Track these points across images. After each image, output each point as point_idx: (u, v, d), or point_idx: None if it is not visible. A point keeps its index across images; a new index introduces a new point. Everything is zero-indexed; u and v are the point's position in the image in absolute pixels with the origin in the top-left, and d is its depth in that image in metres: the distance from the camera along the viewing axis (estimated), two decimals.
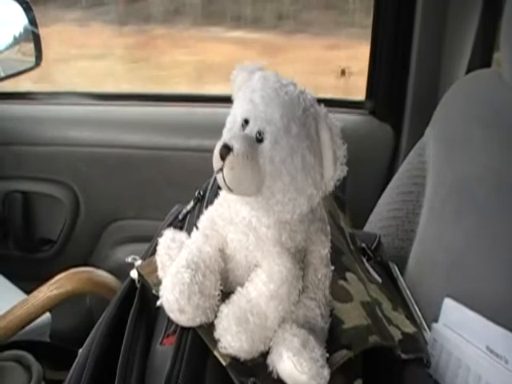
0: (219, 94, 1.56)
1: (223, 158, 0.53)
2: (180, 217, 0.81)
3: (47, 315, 1.10)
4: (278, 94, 0.55)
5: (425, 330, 0.77)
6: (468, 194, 0.84)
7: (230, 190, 0.54)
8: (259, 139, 0.54)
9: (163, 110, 1.58)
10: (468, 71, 1.28)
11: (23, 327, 0.94)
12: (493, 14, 1.24)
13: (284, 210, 0.55)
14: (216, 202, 0.62)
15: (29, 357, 0.86)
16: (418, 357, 0.67)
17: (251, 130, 0.54)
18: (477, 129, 0.90)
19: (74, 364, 0.60)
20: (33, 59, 1.53)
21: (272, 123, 0.53)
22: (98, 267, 1.03)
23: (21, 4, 1.48)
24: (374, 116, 1.53)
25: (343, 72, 1.80)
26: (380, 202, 1.08)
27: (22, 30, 1.54)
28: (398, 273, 0.88)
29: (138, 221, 1.57)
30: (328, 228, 0.63)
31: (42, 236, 1.61)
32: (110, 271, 1.01)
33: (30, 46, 1.52)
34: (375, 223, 1.05)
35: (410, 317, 0.77)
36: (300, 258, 0.59)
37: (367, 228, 1.06)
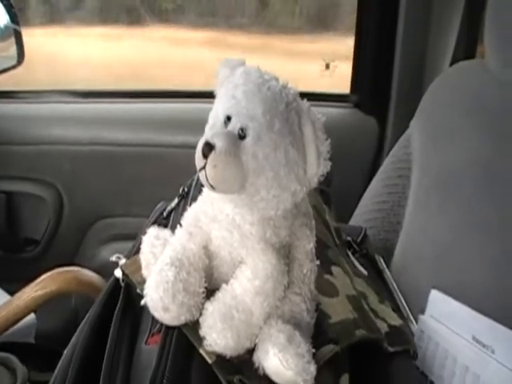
0: (204, 90, 1.55)
1: (205, 155, 0.52)
2: (164, 214, 0.81)
3: (32, 316, 1.09)
4: (261, 89, 0.54)
5: (411, 321, 0.78)
6: (453, 185, 0.85)
7: (212, 188, 0.54)
8: (242, 136, 0.53)
9: (148, 106, 1.57)
10: (452, 63, 1.29)
11: (7, 329, 0.93)
12: (477, 5, 1.25)
13: (268, 207, 0.55)
14: (199, 198, 0.62)
15: (13, 359, 0.85)
16: (404, 349, 0.67)
17: (234, 126, 0.54)
18: (462, 120, 0.90)
19: (59, 365, 0.60)
20: (15, 57, 1.51)
21: (254, 119, 0.53)
22: (83, 266, 1.02)
23: (1, 1, 1.46)
24: (359, 109, 1.54)
25: (327, 66, 1.80)
26: (365, 194, 1.08)
27: (2, 28, 1.52)
28: (384, 265, 0.89)
29: (124, 218, 1.56)
30: (313, 223, 0.63)
31: (26, 236, 1.59)
32: (96, 270, 1.01)
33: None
34: (361, 216, 1.05)
35: (397, 309, 0.77)
36: (285, 254, 0.59)
37: (353, 221, 1.06)
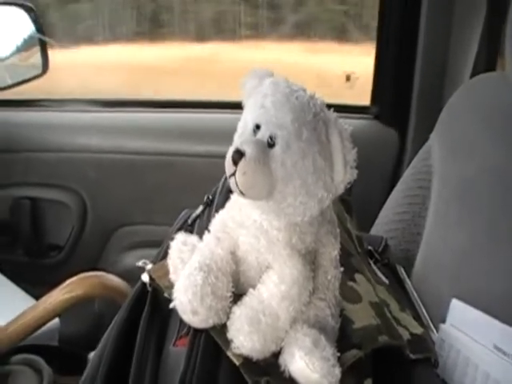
0: (226, 100, 1.57)
1: (236, 162, 0.54)
2: (189, 221, 0.82)
3: (56, 320, 1.10)
4: (289, 99, 0.56)
5: (432, 330, 0.78)
6: (473, 196, 0.85)
7: (242, 194, 0.55)
8: (271, 144, 0.55)
9: (170, 116, 1.60)
10: (473, 75, 1.29)
11: (34, 332, 0.94)
12: (497, 17, 1.25)
13: (295, 213, 0.56)
14: (227, 205, 0.63)
15: (40, 361, 0.86)
16: (426, 357, 0.68)
17: (263, 134, 0.55)
18: (481, 132, 0.91)
19: (87, 368, 0.61)
20: (40, 67, 1.54)
21: (283, 128, 0.54)
22: (106, 272, 1.03)
23: (28, 12, 1.50)
24: (379, 121, 1.55)
25: (348, 78, 1.81)
26: (386, 205, 1.08)
27: (28, 38, 1.55)
28: (405, 275, 0.89)
29: (146, 226, 1.58)
30: (337, 230, 0.64)
31: (50, 242, 1.62)
32: (119, 276, 1.02)
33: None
34: (381, 226, 1.05)
35: (417, 318, 0.78)
36: (310, 260, 0.60)
37: (373, 231, 1.07)
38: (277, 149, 0.54)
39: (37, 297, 1.01)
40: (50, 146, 1.55)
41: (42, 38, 1.54)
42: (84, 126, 1.58)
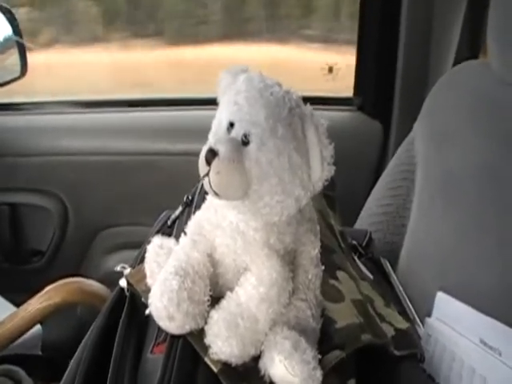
0: (206, 97, 1.55)
1: (209, 162, 0.52)
2: (169, 223, 0.81)
3: (38, 327, 1.09)
4: (263, 94, 0.54)
5: (418, 325, 0.77)
6: (456, 186, 0.84)
7: (216, 194, 0.54)
8: (245, 142, 0.53)
9: (150, 114, 1.57)
10: (455, 63, 1.28)
11: (13, 341, 0.93)
12: (479, 5, 1.24)
13: (272, 213, 0.55)
14: (203, 206, 0.62)
15: (20, 371, 0.85)
16: (411, 352, 0.67)
17: (237, 132, 0.54)
18: (464, 121, 0.90)
19: (65, 375, 0.60)
20: (18, 69, 1.52)
21: (257, 125, 0.53)
22: (89, 276, 1.02)
23: (4, 13, 1.47)
24: (363, 112, 1.53)
25: (330, 69, 1.79)
26: (370, 198, 1.08)
27: (5, 40, 1.53)
28: (390, 268, 0.88)
29: (129, 227, 1.56)
30: (317, 228, 0.63)
31: (32, 247, 1.59)
32: (102, 280, 1.01)
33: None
34: (366, 219, 1.05)
35: (403, 312, 0.77)
36: (289, 260, 0.59)
37: (358, 224, 1.06)
38: (251, 147, 0.53)
39: (19, 304, 1.00)
40: (29, 151, 1.52)
41: (20, 41, 1.52)
42: (63, 129, 1.55)
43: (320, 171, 0.55)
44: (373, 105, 1.52)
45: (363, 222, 1.05)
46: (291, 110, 0.54)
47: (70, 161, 1.52)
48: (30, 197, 1.55)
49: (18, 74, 1.51)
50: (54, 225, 1.56)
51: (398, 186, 1.00)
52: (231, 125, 0.55)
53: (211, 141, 0.55)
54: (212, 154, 0.52)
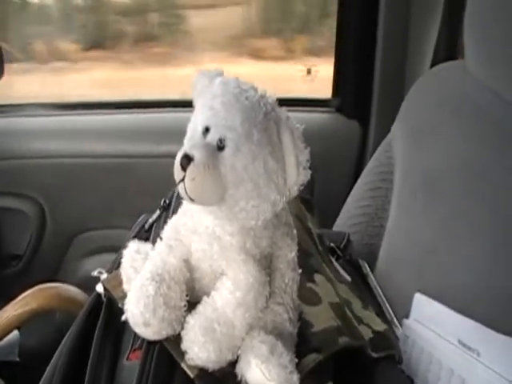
0: (184, 99, 1.55)
1: (184, 168, 0.52)
2: (146, 227, 0.81)
3: (15, 333, 1.08)
4: (238, 99, 0.54)
5: (396, 326, 0.78)
6: (435, 186, 0.85)
7: (191, 200, 0.54)
8: (220, 147, 0.53)
9: (128, 117, 1.56)
10: (433, 64, 1.29)
11: None
12: (456, 6, 1.25)
13: (248, 217, 0.55)
14: (179, 211, 0.62)
15: None
16: (389, 354, 0.67)
17: (212, 137, 0.54)
18: (442, 122, 0.90)
19: (41, 381, 0.59)
20: None
21: (233, 130, 0.53)
22: (67, 281, 1.01)
23: None
24: (341, 113, 1.54)
25: (309, 71, 1.80)
26: (349, 199, 1.08)
27: None
28: (368, 270, 0.89)
29: (107, 231, 1.55)
30: (294, 232, 0.63)
31: (8, 251, 1.57)
32: (80, 284, 1.00)
33: None
34: (344, 221, 1.05)
35: (381, 314, 0.77)
36: (266, 264, 0.59)
37: (337, 226, 1.06)
38: (226, 152, 0.53)
39: None
40: (4, 153, 1.50)
41: None
42: (40, 131, 1.53)
43: (296, 176, 0.55)
44: (351, 106, 1.53)
45: (342, 223, 1.05)
46: (266, 115, 0.54)
47: (47, 164, 1.50)
48: (7, 200, 1.53)
49: None
50: (32, 228, 1.54)
51: (376, 187, 1.00)
52: (206, 129, 0.55)
53: (186, 146, 0.55)
54: (187, 159, 0.52)
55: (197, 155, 0.52)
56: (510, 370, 0.62)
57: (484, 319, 0.67)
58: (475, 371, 0.64)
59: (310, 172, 0.55)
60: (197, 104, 0.59)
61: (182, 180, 0.53)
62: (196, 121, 0.57)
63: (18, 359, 1.12)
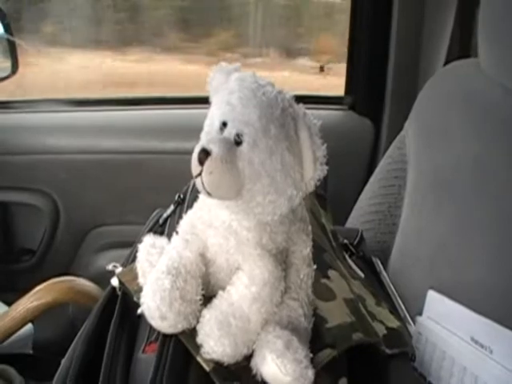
0: (196, 95, 1.55)
1: (202, 162, 0.52)
2: (160, 221, 0.81)
3: (29, 326, 1.09)
4: (256, 94, 0.54)
5: (409, 323, 0.78)
6: (447, 184, 0.85)
7: (209, 194, 0.54)
8: (238, 142, 0.53)
9: (141, 113, 1.57)
10: (447, 62, 1.29)
11: (4, 340, 0.92)
12: (470, 4, 1.24)
13: (264, 212, 0.55)
14: (195, 205, 0.62)
15: (11, 370, 0.85)
16: (402, 351, 0.67)
17: (229, 132, 0.54)
18: (455, 119, 0.90)
19: (57, 375, 0.60)
20: (9, 67, 1.51)
21: (250, 125, 0.53)
22: (80, 275, 1.01)
23: None
24: (354, 111, 1.54)
25: (322, 68, 1.80)
26: (362, 196, 1.08)
27: None
28: (381, 267, 0.89)
29: (120, 226, 1.55)
30: (309, 228, 0.63)
31: (22, 246, 1.58)
32: (93, 278, 1.00)
33: None
34: (357, 218, 1.05)
35: (394, 311, 0.77)
36: (282, 259, 0.59)
37: (349, 223, 1.06)
38: (244, 146, 0.53)
39: (10, 303, 0.99)
40: (19, 149, 1.51)
41: (11, 39, 1.51)
42: (53, 127, 1.54)
43: (313, 171, 0.55)
44: (364, 104, 1.53)
45: (355, 220, 1.05)
46: (284, 110, 0.54)
47: (61, 159, 1.51)
48: (21, 195, 1.54)
49: (8, 72, 1.51)
50: (45, 223, 1.54)
51: (389, 184, 1.00)
52: (224, 124, 0.55)
53: (204, 140, 0.55)
54: (205, 153, 0.52)
55: (214, 149, 0.52)
56: None
57: (496, 316, 0.66)
58: (488, 368, 0.64)
59: (326, 167, 0.55)
60: (213, 100, 0.59)
61: (200, 174, 0.53)
62: (213, 116, 0.57)
63: (31, 352, 1.13)
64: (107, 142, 1.50)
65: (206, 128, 0.58)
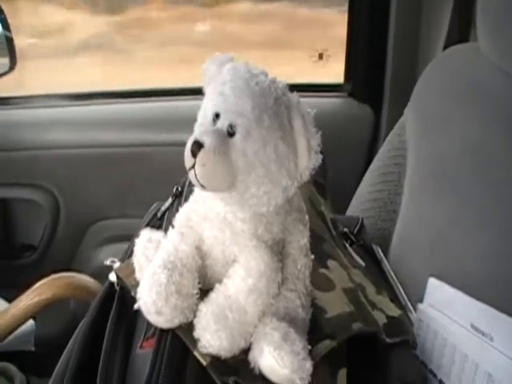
0: (194, 86, 1.54)
1: (194, 154, 0.52)
2: (158, 215, 0.81)
3: (31, 322, 1.09)
4: (249, 84, 0.54)
5: (410, 311, 0.77)
6: (448, 171, 0.84)
7: (202, 186, 0.53)
8: (231, 133, 0.53)
9: (139, 106, 1.56)
10: (446, 47, 1.27)
11: (5, 337, 0.92)
12: None
13: (259, 203, 0.55)
14: (191, 198, 0.62)
15: (12, 367, 0.85)
16: (403, 339, 0.67)
17: (222, 123, 0.53)
18: (454, 105, 0.89)
19: (55, 371, 0.60)
20: (7, 63, 1.50)
21: (243, 115, 0.52)
22: (81, 270, 1.02)
23: None
24: (354, 98, 1.53)
25: (321, 56, 1.78)
26: (362, 184, 1.07)
27: None
28: (382, 255, 0.88)
29: (121, 220, 1.55)
30: (306, 217, 0.62)
31: (23, 242, 1.59)
32: (94, 273, 1.01)
33: None
34: (357, 206, 1.04)
35: (395, 299, 0.77)
36: (278, 250, 0.58)
37: (350, 211, 1.06)
38: (237, 138, 0.52)
39: (11, 299, 0.99)
40: (18, 144, 1.51)
41: (8, 35, 1.50)
42: (52, 122, 1.54)
43: (307, 160, 0.54)
44: (363, 90, 1.52)
45: (355, 208, 1.05)
46: (277, 100, 0.54)
47: (60, 154, 1.51)
48: (21, 191, 1.54)
49: (6, 68, 1.50)
50: (46, 219, 1.55)
51: (389, 171, 0.99)
52: (217, 116, 0.54)
53: (196, 132, 0.54)
54: (197, 145, 0.52)
55: (207, 141, 0.52)
56: None
57: (497, 304, 0.66)
58: (488, 356, 0.64)
59: (321, 156, 0.54)
60: (207, 90, 0.59)
61: (193, 167, 0.52)
62: (206, 107, 0.56)
63: (33, 349, 1.14)
64: (107, 135, 1.50)
65: (199, 119, 0.58)
